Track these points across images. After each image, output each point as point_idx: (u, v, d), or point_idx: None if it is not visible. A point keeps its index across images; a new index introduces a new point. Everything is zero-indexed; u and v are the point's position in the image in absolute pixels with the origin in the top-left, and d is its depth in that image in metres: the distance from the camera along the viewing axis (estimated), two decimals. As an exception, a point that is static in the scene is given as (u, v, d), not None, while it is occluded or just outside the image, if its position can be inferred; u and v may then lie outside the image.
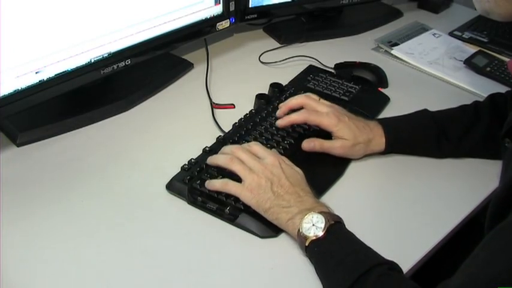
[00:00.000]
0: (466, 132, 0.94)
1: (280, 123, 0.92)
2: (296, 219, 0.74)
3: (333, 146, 0.90)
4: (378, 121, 0.94)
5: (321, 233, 0.71)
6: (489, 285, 0.54)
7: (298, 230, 0.73)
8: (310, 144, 0.90)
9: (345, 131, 0.89)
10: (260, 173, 0.77)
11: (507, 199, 0.65)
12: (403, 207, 0.85)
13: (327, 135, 0.91)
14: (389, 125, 0.93)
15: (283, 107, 0.94)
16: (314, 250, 0.72)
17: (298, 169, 0.81)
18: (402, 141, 0.93)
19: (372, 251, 0.71)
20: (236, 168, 0.79)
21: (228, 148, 0.83)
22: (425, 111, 0.97)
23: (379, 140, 0.92)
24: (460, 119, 0.95)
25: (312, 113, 0.91)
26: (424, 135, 0.94)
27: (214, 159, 0.83)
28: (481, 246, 0.59)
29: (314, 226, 0.72)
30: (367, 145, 0.91)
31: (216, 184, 0.79)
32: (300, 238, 0.73)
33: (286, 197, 0.76)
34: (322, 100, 0.94)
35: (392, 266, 0.69)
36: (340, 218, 0.75)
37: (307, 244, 0.72)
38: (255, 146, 0.83)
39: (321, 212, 0.73)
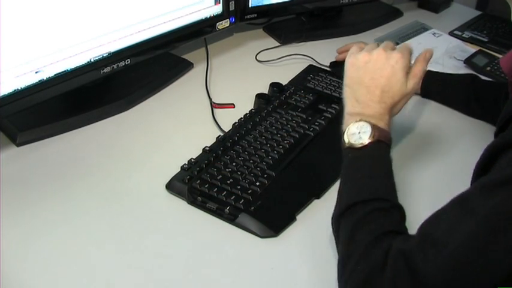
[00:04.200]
0: (496, 103, 0.98)
1: (337, 58, 1.18)
2: (352, 118, 0.75)
3: None
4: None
5: (360, 143, 0.72)
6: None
7: (346, 130, 0.74)
8: None
9: None
10: (374, 55, 0.78)
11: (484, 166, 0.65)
12: (404, 206, 0.85)
13: (329, 141, 0.91)
14: (431, 72, 1.07)
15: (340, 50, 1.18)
16: (348, 155, 0.74)
17: (410, 87, 0.79)
18: (436, 87, 1.08)
19: (389, 184, 0.71)
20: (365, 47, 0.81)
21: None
22: (471, 74, 1.11)
23: None
24: (499, 90, 0.99)
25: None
26: (456, 89, 1.06)
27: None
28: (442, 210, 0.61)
29: (359, 134, 0.73)
30: None
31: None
32: (342, 136, 0.75)
33: (363, 91, 0.77)
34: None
35: (395, 206, 0.68)
36: (390, 140, 0.75)
37: (345, 147, 0.74)
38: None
39: (373, 125, 0.73)
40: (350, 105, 0.78)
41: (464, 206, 0.58)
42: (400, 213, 0.68)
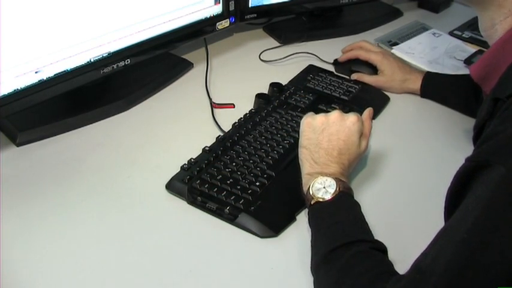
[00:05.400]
0: None
1: (340, 59, 1.17)
2: (312, 177, 0.77)
3: (370, 80, 1.12)
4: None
5: (328, 197, 0.73)
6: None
7: (309, 187, 0.75)
8: (353, 76, 1.14)
9: (386, 66, 1.11)
10: (331, 117, 0.81)
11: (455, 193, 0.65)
12: (404, 207, 0.85)
13: None
14: (430, 73, 1.12)
15: (344, 51, 1.18)
16: (315, 207, 0.74)
17: (364, 147, 0.82)
18: (436, 87, 1.09)
19: (364, 226, 0.72)
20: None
21: None
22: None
23: (415, 81, 1.10)
24: None
25: (363, 51, 1.14)
26: (456, 90, 1.06)
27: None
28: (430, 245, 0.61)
29: (325, 189, 0.74)
30: (403, 82, 1.10)
31: None
32: (308, 195, 0.75)
33: (321, 153, 0.79)
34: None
35: (376, 246, 0.69)
36: (352, 191, 0.77)
37: (312, 203, 0.74)
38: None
39: (336, 179, 0.75)
40: (308, 166, 0.79)
41: (445, 236, 0.60)
42: (382, 250, 0.69)
